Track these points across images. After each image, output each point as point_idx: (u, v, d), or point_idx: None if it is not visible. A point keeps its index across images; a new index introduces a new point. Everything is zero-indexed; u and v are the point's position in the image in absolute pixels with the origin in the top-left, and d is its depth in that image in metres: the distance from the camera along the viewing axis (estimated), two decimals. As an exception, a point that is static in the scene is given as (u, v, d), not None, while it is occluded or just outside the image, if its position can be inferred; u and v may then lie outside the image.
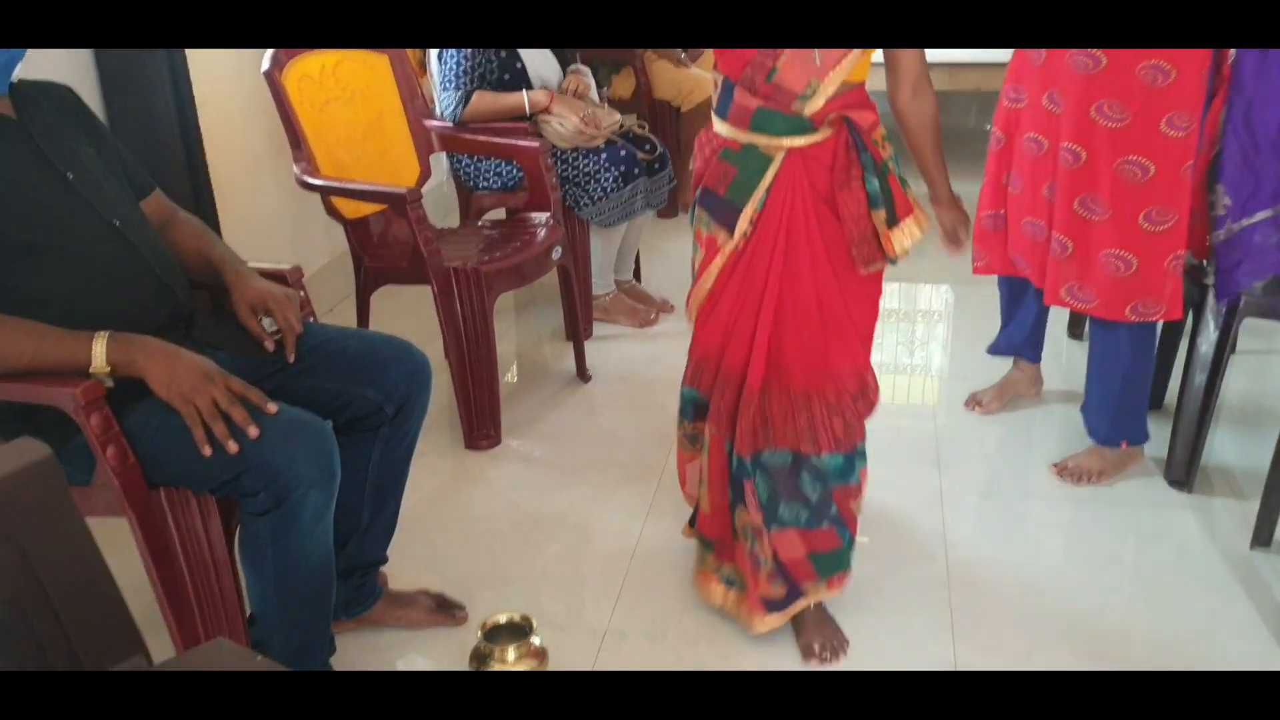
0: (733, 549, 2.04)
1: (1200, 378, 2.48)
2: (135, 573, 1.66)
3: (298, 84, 2.72)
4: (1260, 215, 2.26)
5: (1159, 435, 2.66)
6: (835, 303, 1.90)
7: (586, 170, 3.16)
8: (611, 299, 3.48)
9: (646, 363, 3.26)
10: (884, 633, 2.09)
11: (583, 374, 3.17)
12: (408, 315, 3.15)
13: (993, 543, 2.39)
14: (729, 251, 1.90)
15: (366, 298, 2.91)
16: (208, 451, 1.59)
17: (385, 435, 1.93)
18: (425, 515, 2.46)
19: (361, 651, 2.06)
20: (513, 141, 3.02)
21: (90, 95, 2.48)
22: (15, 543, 1.01)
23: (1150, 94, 2.18)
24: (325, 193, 2.73)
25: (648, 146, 3.29)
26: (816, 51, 1.75)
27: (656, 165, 3.32)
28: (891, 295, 1.89)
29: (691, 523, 2.20)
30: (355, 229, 2.85)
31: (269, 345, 1.82)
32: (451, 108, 3.05)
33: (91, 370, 1.60)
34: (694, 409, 2.06)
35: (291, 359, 1.83)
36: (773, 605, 2.01)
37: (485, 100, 3.05)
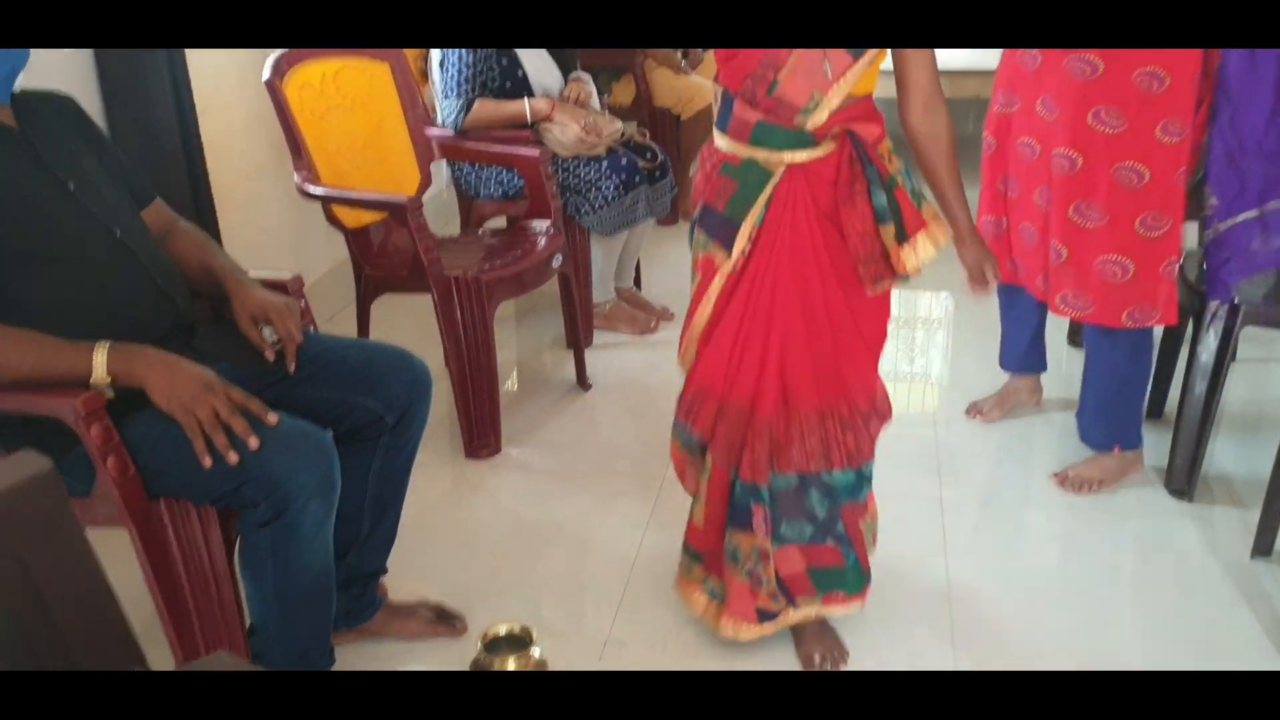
0: (720, 565, 2.01)
1: (1200, 386, 2.48)
2: (134, 583, 1.66)
3: (298, 92, 2.72)
4: (1245, 215, 2.30)
5: (1159, 444, 2.66)
6: (844, 320, 1.84)
7: (587, 178, 3.16)
8: (612, 307, 3.48)
9: (647, 370, 3.25)
10: (885, 643, 2.09)
11: (583, 382, 3.17)
12: (408, 323, 3.15)
13: (993, 553, 2.39)
14: (727, 272, 1.84)
15: (367, 306, 2.91)
16: (208, 462, 1.59)
17: (385, 445, 1.93)
18: (425, 525, 2.46)
19: (361, 662, 2.05)
20: (513, 150, 3.02)
21: (91, 104, 2.48)
22: (16, 556, 1.01)
23: (1146, 100, 2.21)
24: (326, 201, 2.73)
25: (648, 154, 3.29)
26: (827, 64, 1.69)
27: (658, 173, 3.32)
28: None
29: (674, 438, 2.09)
30: (356, 238, 2.85)
31: (269, 355, 1.82)
32: (453, 115, 3.05)
33: (92, 381, 1.60)
34: (694, 443, 1.99)
35: (292, 369, 1.83)
36: (765, 615, 1.99)
37: (487, 108, 3.05)
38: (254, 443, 1.59)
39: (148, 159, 2.53)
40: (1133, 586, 2.31)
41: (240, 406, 1.62)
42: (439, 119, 3.11)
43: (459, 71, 3.03)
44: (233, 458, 1.58)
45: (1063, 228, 2.36)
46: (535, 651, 1.93)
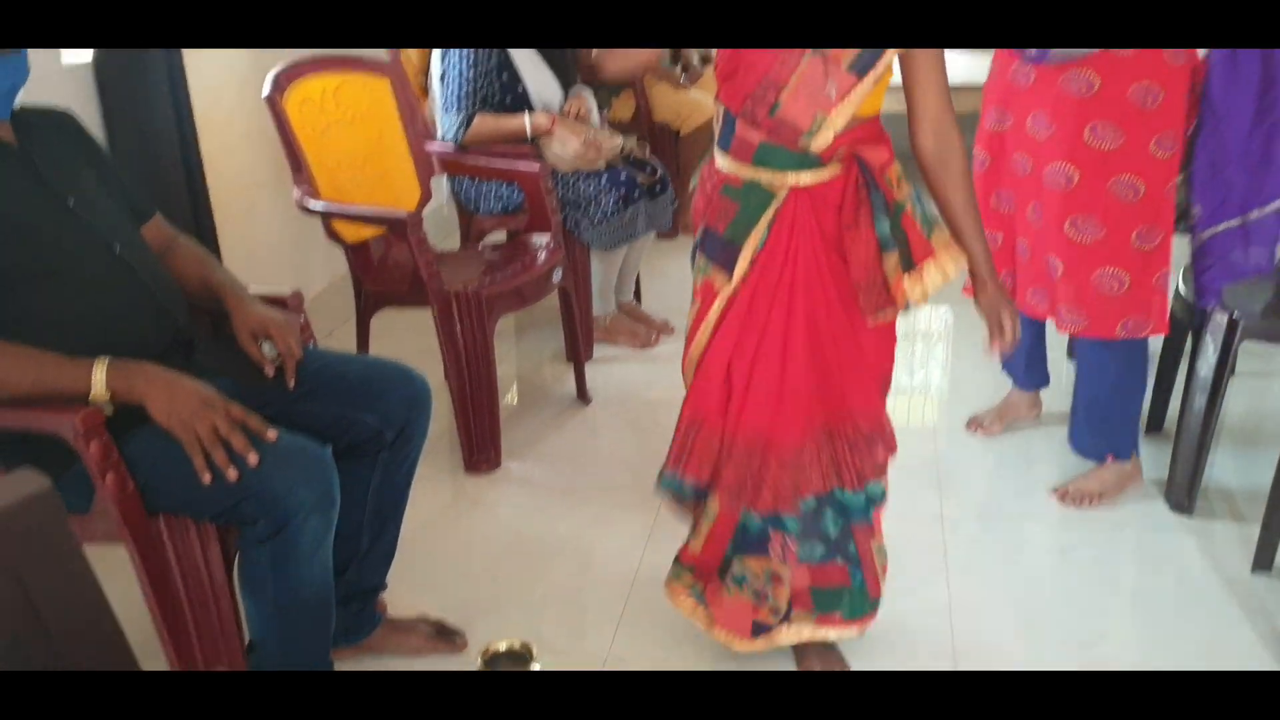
0: (709, 576, 1.98)
1: (1200, 400, 2.48)
2: (132, 599, 1.65)
3: (299, 108, 2.73)
4: (1227, 224, 2.35)
5: (1159, 458, 2.66)
6: (849, 346, 1.78)
7: (587, 193, 3.16)
8: (612, 320, 3.49)
9: (647, 384, 3.25)
10: (886, 661, 2.08)
11: (583, 396, 3.17)
12: (408, 338, 3.15)
13: (994, 569, 2.39)
14: (727, 295, 1.78)
15: (367, 321, 2.91)
16: (207, 479, 1.58)
17: (385, 460, 1.93)
18: (424, 540, 2.45)
19: (360, 678, 2.05)
20: (513, 164, 3.03)
21: (91, 120, 2.49)
22: (14, 575, 1.01)
23: (1141, 115, 2.24)
24: (326, 216, 2.73)
25: (648, 169, 3.30)
26: (831, 84, 1.62)
27: (658, 188, 3.32)
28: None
29: (661, 493, 2.00)
30: (356, 252, 2.85)
31: (269, 371, 1.82)
32: (453, 130, 3.06)
33: (91, 397, 1.60)
34: (689, 491, 1.91)
35: (291, 384, 1.83)
36: (759, 628, 1.96)
37: (487, 123, 3.06)
38: (253, 459, 1.59)
39: (148, 174, 2.54)
40: (1133, 601, 2.30)
41: (239, 423, 1.61)
42: (439, 134, 3.12)
43: (459, 86, 3.04)
44: (232, 474, 1.58)
45: (1059, 243, 2.37)
46: (535, 668, 1.93)
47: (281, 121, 2.69)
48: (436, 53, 3.11)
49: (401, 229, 2.61)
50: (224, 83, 3.03)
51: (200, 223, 2.76)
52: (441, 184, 3.46)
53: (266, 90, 2.68)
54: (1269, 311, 2.46)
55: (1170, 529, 2.50)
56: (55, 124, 1.82)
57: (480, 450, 2.77)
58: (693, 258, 1.87)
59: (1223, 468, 2.72)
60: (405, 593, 2.19)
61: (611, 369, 3.35)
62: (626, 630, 2.19)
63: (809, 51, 1.60)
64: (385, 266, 2.91)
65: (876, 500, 1.91)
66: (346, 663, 2.04)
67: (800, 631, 1.98)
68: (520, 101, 3.12)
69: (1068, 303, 2.40)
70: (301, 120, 2.73)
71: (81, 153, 1.83)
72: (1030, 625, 2.19)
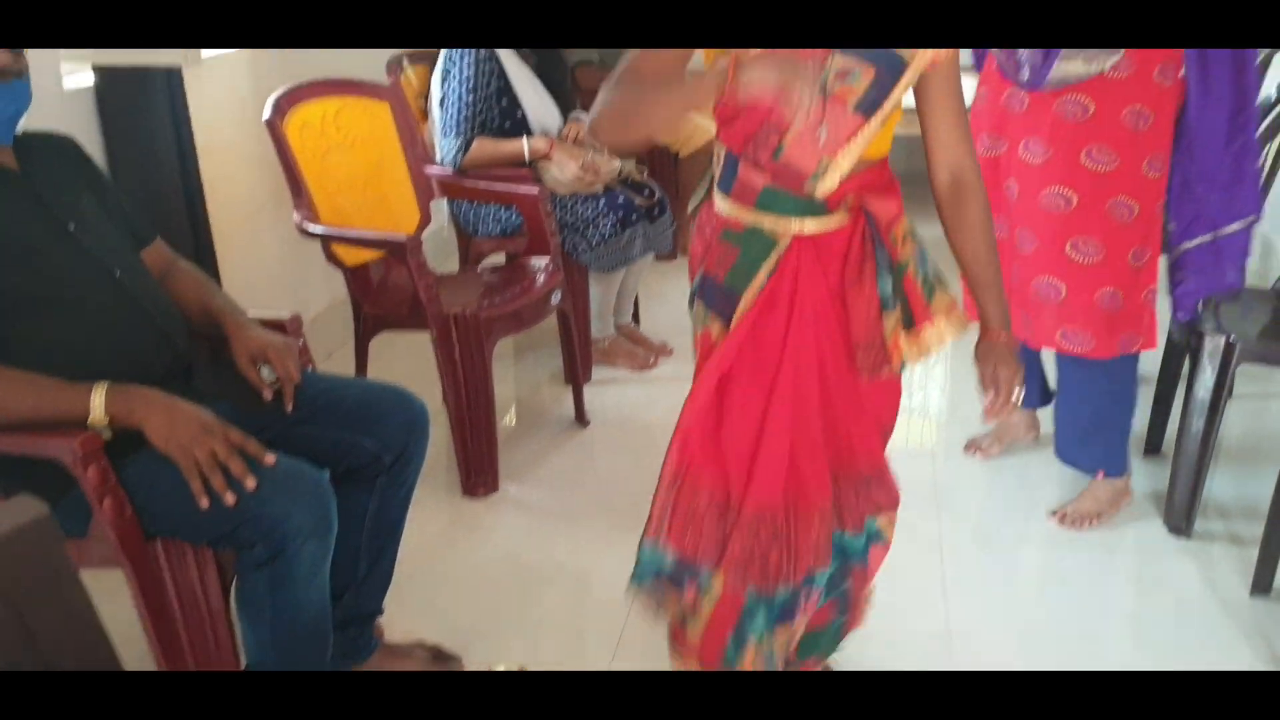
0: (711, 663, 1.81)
1: (1198, 423, 2.49)
2: (129, 623, 1.65)
3: (299, 131, 2.74)
4: (1200, 239, 2.40)
5: (1158, 481, 2.66)
6: (854, 398, 1.69)
7: (585, 216, 3.17)
8: (611, 342, 3.49)
9: (645, 406, 3.26)
10: (883, 683, 2.08)
11: (581, 418, 3.17)
12: (407, 360, 3.15)
13: (992, 591, 2.38)
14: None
15: (365, 344, 2.92)
16: (205, 503, 1.59)
17: (383, 485, 1.93)
18: (422, 564, 2.45)
19: (358, 702, 2.04)
20: (512, 188, 3.04)
21: (92, 144, 2.50)
22: (10, 602, 1.01)
23: (1134, 137, 2.29)
24: (325, 240, 2.74)
25: (646, 192, 3.31)
26: (822, 129, 1.53)
27: (656, 210, 3.34)
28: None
29: (638, 578, 1.82)
30: (355, 275, 2.86)
31: (267, 395, 1.83)
32: (452, 154, 3.07)
33: (90, 422, 1.60)
34: (671, 572, 1.74)
35: (289, 409, 1.83)
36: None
37: (486, 147, 3.08)
38: (251, 483, 1.59)
39: (148, 198, 2.54)
40: (1132, 625, 2.30)
41: (238, 447, 1.62)
42: (438, 157, 3.13)
43: (459, 111, 3.05)
44: (229, 499, 1.58)
45: (1059, 265, 2.39)
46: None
47: (281, 145, 2.70)
48: (436, 77, 3.13)
49: (401, 252, 2.62)
50: (224, 107, 3.04)
51: (200, 246, 2.77)
52: (441, 207, 3.47)
53: (267, 114, 2.69)
54: (1266, 334, 2.48)
55: (1168, 551, 2.50)
56: (57, 149, 1.83)
57: (478, 474, 2.77)
58: (690, 304, 1.75)
59: (1221, 490, 2.72)
60: (402, 617, 2.18)
61: (610, 391, 3.35)
62: (625, 653, 2.19)
63: (813, 92, 1.51)
64: (384, 289, 2.92)
65: (875, 538, 1.82)
66: (343, 687, 2.03)
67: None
68: (519, 126, 3.14)
69: (1072, 325, 2.42)
70: (301, 144, 2.74)
71: (82, 178, 1.84)
72: (1028, 648, 2.19)
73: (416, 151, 3.06)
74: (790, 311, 1.62)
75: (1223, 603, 2.31)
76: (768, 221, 1.62)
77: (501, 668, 1.96)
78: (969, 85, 1.99)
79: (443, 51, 3.11)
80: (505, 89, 3.11)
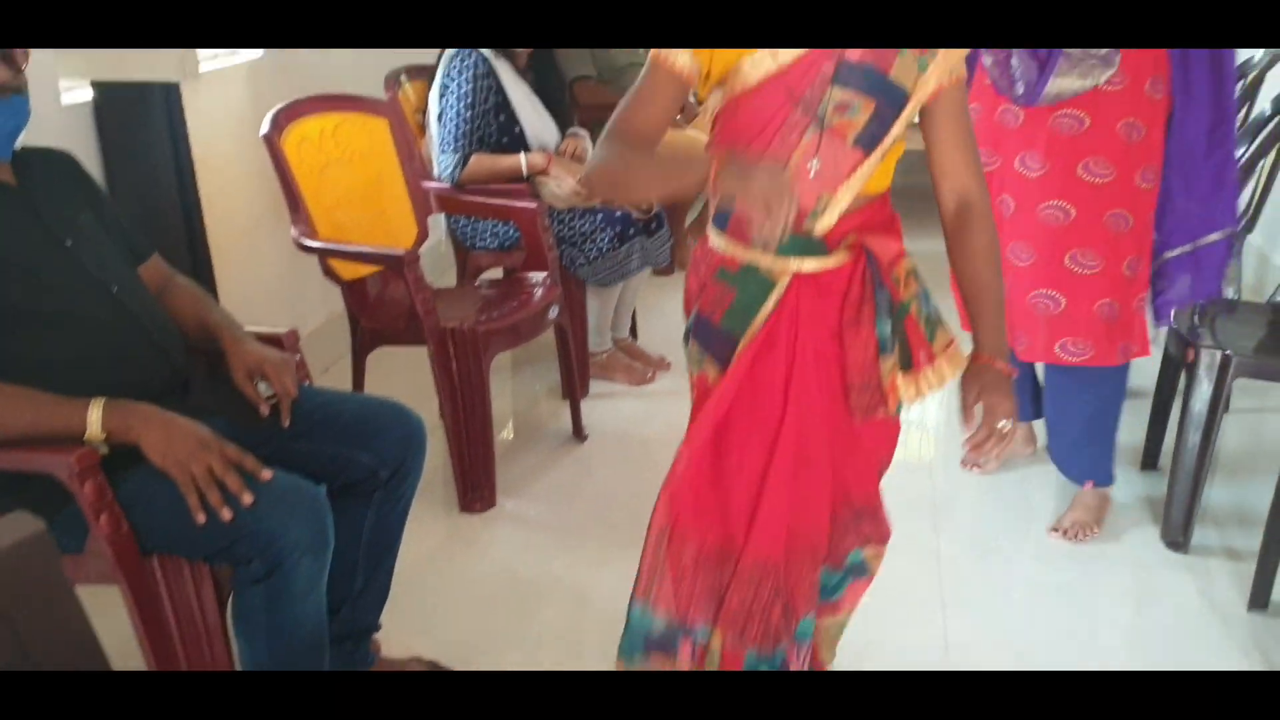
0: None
1: (1194, 437, 2.49)
2: (125, 638, 1.65)
3: (297, 147, 2.75)
4: (1180, 249, 2.43)
5: (1155, 496, 2.66)
6: (849, 437, 1.63)
7: (582, 230, 3.18)
8: (608, 356, 3.50)
9: (643, 421, 3.26)
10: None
11: (579, 433, 3.17)
12: (404, 375, 3.15)
13: (990, 604, 2.38)
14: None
15: (362, 358, 2.92)
16: (202, 519, 1.58)
17: (379, 500, 1.92)
18: (418, 579, 2.44)
19: (354, 718, 2.03)
20: (510, 203, 3.04)
21: (90, 159, 2.50)
22: (5, 619, 1.01)
23: (1128, 150, 2.32)
24: (323, 255, 2.75)
25: (643, 206, 3.32)
26: (812, 164, 1.48)
27: (654, 224, 3.34)
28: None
29: (626, 651, 1.76)
30: (352, 290, 2.86)
31: (264, 410, 1.83)
32: (450, 169, 3.08)
33: (87, 437, 1.60)
34: (661, 636, 1.68)
35: (286, 424, 1.83)
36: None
37: (484, 163, 3.09)
38: (247, 499, 1.59)
39: (146, 214, 2.55)
40: (1129, 639, 2.30)
41: (235, 463, 1.61)
42: (436, 173, 3.14)
43: (457, 126, 3.06)
44: (226, 514, 1.58)
45: (1059, 277, 2.41)
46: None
47: (279, 160, 2.70)
48: (434, 93, 3.14)
49: (398, 266, 2.62)
50: (222, 122, 3.05)
51: (198, 261, 2.77)
52: (438, 221, 3.48)
53: (265, 129, 2.69)
54: (1262, 349, 2.49)
55: (1166, 566, 2.50)
56: (55, 165, 1.83)
57: (475, 489, 2.77)
58: (685, 341, 1.69)
59: (1218, 505, 2.72)
60: (399, 633, 2.18)
61: (607, 405, 3.35)
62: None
63: (811, 127, 1.47)
64: (382, 304, 2.92)
65: (857, 571, 1.78)
66: (340, 703, 2.03)
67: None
68: (517, 142, 3.15)
69: (1072, 335, 2.44)
70: (299, 159, 2.75)
71: (80, 193, 1.84)
72: (1026, 662, 2.18)
73: (414, 167, 3.07)
74: (792, 356, 1.57)
75: (1220, 617, 2.31)
76: (765, 260, 1.55)
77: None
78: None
79: (440, 67, 3.12)
80: (503, 104, 3.12)
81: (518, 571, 2.53)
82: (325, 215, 2.78)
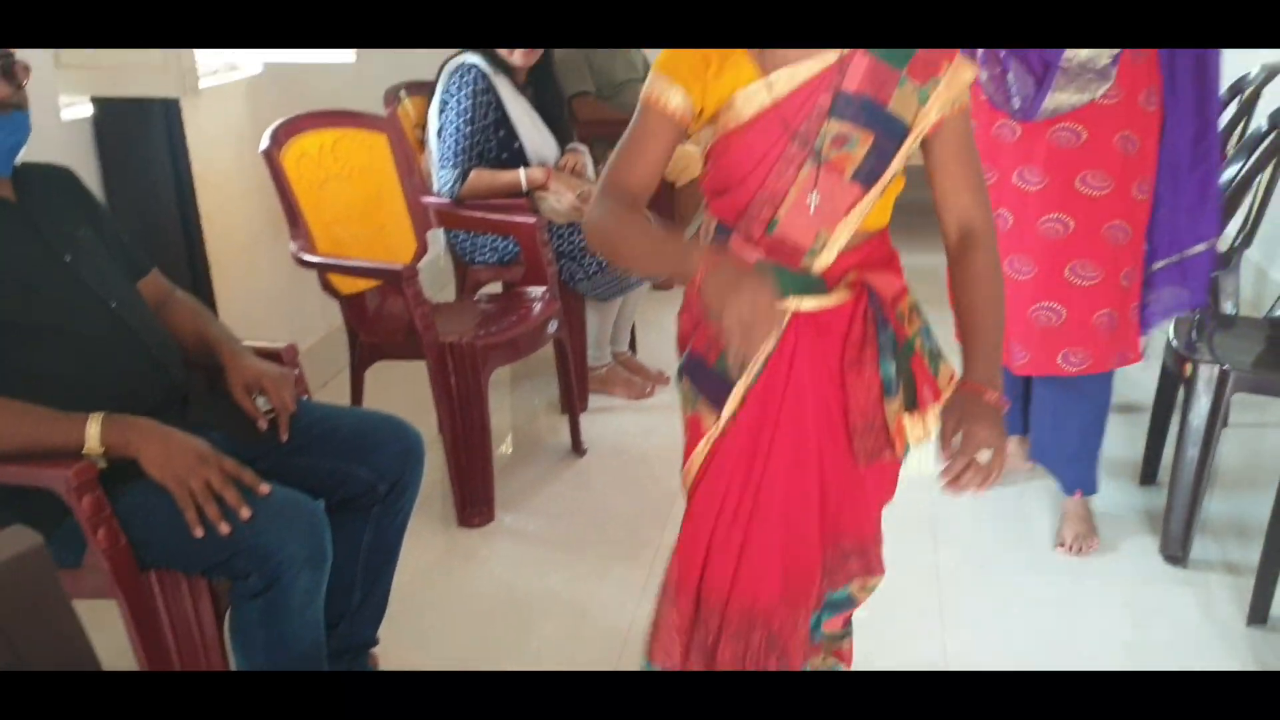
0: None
1: (1192, 452, 2.49)
2: (122, 653, 1.65)
3: (296, 162, 2.76)
4: (1167, 260, 2.46)
5: (1154, 510, 2.66)
6: (847, 482, 1.58)
7: (581, 245, 3.19)
8: (607, 371, 3.50)
9: (642, 435, 3.26)
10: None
11: (578, 447, 3.17)
12: (403, 390, 3.15)
13: (989, 619, 2.38)
14: (713, 438, 1.54)
15: (361, 373, 2.92)
16: (199, 533, 1.59)
17: (378, 514, 1.93)
18: (416, 594, 2.44)
19: (352, 734, 2.03)
20: (509, 218, 3.05)
21: (90, 175, 2.51)
22: (3, 633, 1.01)
23: (1125, 162, 2.34)
24: (322, 270, 2.75)
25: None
26: (812, 198, 1.43)
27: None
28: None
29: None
30: (351, 305, 2.87)
31: (262, 424, 1.83)
32: (449, 185, 3.09)
33: (85, 451, 1.60)
34: None
35: (285, 438, 1.83)
36: None
37: (483, 178, 3.09)
38: (245, 513, 1.59)
39: (146, 230, 2.56)
40: (1129, 655, 2.29)
41: (233, 477, 1.62)
42: (435, 188, 3.15)
43: (456, 142, 3.07)
44: (224, 528, 1.58)
45: (1060, 289, 2.43)
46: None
47: (279, 176, 2.71)
48: (434, 108, 3.15)
49: (397, 281, 2.63)
50: (222, 137, 3.06)
51: (197, 276, 2.78)
52: (438, 235, 3.49)
53: (264, 144, 2.70)
54: (1260, 363, 2.49)
55: (1165, 581, 2.50)
56: (55, 180, 1.84)
57: (474, 504, 2.77)
58: (678, 378, 1.64)
59: (1217, 520, 2.72)
60: (397, 648, 2.17)
61: (607, 420, 3.35)
62: (620, 685, 2.18)
63: (807, 161, 1.43)
64: (380, 318, 2.92)
65: (836, 607, 1.73)
66: (337, 718, 2.02)
67: None
68: (516, 158, 3.15)
69: (1072, 346, 2.46)
70: (299, 174, 2.76)
71: (80, 209, 1.85)
72: (1026, 679, 2.18)
73: (414, 182, 3.08)
74: (784, 397, 1.51)
75: (1219, 632, 2.30)
76: None
77: None
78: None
79: (440, 83, 3.14)
80: (502, 120, 3.13)
81: (516, 586, 2.52)
82: (324, 230, 2.79)
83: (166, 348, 1.84)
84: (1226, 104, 3.33)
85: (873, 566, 1.71)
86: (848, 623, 1.85)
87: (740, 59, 1.42)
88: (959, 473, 1.41)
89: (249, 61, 3.29)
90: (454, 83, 3.09)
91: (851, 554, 1.66)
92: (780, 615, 1.57)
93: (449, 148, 3.08)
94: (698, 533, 1.57)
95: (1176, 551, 2.54)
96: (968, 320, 1.49)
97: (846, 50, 1.40)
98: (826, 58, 1.40)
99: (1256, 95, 3.24)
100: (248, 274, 3.20)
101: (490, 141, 3.11)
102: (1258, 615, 2.31)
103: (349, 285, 2.83)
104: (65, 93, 2.51)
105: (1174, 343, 2.60)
